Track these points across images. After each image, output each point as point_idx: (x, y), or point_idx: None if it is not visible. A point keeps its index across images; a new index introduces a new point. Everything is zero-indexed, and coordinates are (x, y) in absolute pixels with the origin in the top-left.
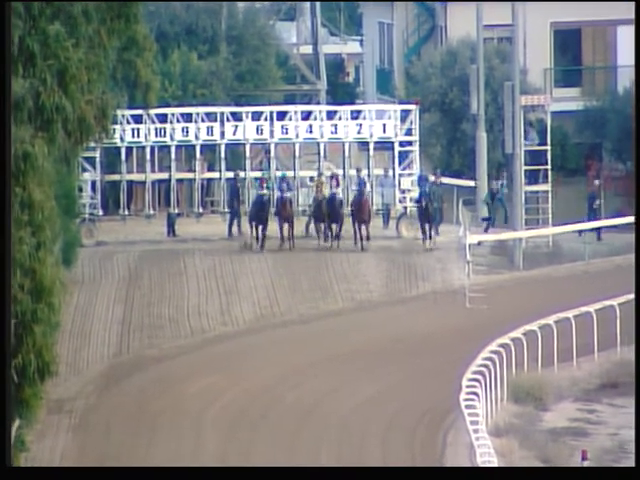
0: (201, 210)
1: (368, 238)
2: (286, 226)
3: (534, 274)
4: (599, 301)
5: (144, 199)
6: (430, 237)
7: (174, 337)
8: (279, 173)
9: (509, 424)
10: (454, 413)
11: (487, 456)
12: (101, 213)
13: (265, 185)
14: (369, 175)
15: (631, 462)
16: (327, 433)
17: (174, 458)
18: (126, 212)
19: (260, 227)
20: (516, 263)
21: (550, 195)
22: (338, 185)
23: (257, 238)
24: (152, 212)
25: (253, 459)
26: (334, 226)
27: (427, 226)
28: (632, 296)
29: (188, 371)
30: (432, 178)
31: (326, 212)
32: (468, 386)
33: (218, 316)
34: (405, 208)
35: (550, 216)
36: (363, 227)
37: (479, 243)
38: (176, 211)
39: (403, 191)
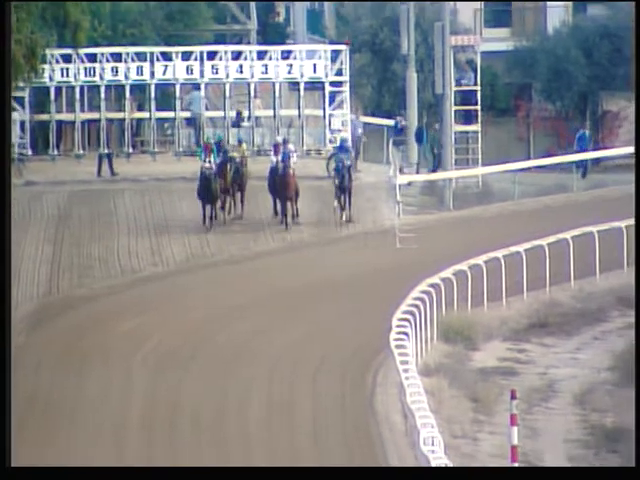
0: (131, 150)
1: (296, 215)
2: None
3: (464, 214)
4: (528, 241)
5: (73, 139)
6: (343, 209)
7: (104, 277)
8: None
9: (439, 363)
10: (384, 353)
11: (417, 395)
12: (30, 153)
13: (210, 153)
14: (300, 116)
15: (560, 401)
16: (257, 373)
17: (104, 396)
18: (55, 152)
19: (208, 205)
20: (446, 203)
21: (480, 135)
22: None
23: (205, 217)
24: (82, 152)
25: (182, 397)
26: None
27: (343, 198)
28: (561, 235)
29: (118, 311)
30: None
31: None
32: (398, 326)
33: (148, 256)
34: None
35: (480, 156)
36: (289, 204)
37: (409, 183)
38: (106, 151)
39: (333, 131)
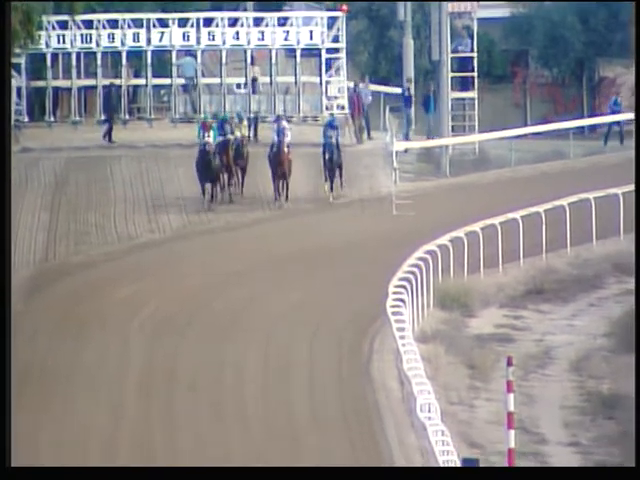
0: (127, 117)
1: (283, 193)
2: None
3: (460, 181)
4: (525, 208)
5: (70, 105)
6: (332, 189)
7: (101, 244)
8: (221, 115)
9: (435, 330)
10: (380, 320)
11: (413, 362)
12: (26, 119)
13: (209, 130)
14: (296, 82)
15: (556, 368)
16: (253, 339)
17: (100, 362)
18: (52, 118)
19: (208, 184)
20: (443, 170)
21: (476, 102)
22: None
23: (208, 195)
24: (78, 119)
25: (179, 363)
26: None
27: (333, 176)
28: (558, 202)
29: (115, 278)
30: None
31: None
32: (394, 293)
33: (145, 223)
34: (332, 115)
35: (476, 123)
36: (281, 183)
37: (406, 150)
38: (102, 117)
39: (330, 98)
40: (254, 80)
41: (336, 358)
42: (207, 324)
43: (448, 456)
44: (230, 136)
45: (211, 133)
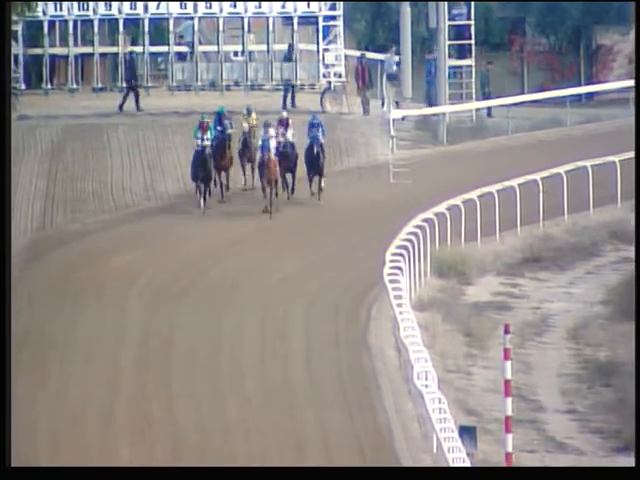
0: (124, 85)
1: (272, 198)
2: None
3: (457, 149)
4: (522, 175)
5: (67, 73)
6: (320, 190)
7: (98, 212)
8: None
9: (432, 298)
10: (377, 288)
11: (410, 330)
12: (23, 87)
13: (206, 131)
14: (292, 48)
15: (553, 336)
16: (250, 308)
17: (97, 330)
18: (49, 86)
19: (202, 185)
20: (440, 138)
21: (473, 70)
22: (287, 129)
23: (201, 197)
24: (75, 86)
25: (176, 332)
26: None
27: (314, 176)
28: (555, 170)
29: (112, 246)
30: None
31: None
32: (392, 260)
33: (142, 191)
34: (329, 83)
35: (473, 91)
36: (269, 190)
37: (403, 118)
38: (99, 85)
39: (327, 66)
40: (290, 48)
41: (333, 326)
42: (204, 292)
43: (445, 424)
44: (230, 130)
45: (209, 135)
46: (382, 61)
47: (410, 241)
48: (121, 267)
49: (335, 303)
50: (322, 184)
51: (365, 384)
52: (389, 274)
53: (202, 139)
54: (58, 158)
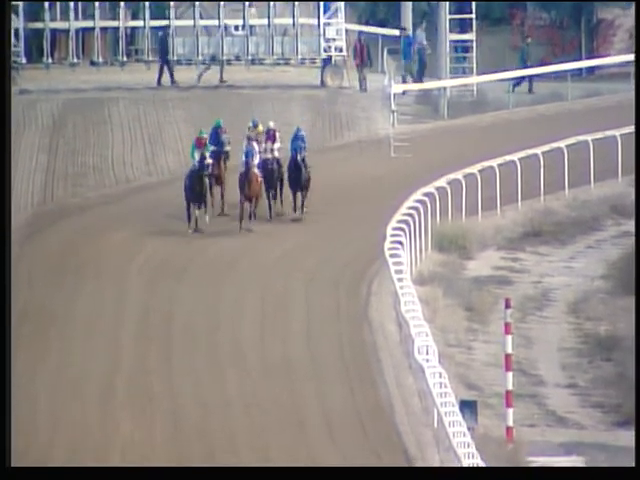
0: (125, 59)
1: (252, 217)
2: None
3: (458, 123)
4: (523, 150)
5: (67, 47)
6: (303, 204)
7: (98, 186)
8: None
9: (433, 272)
10: (378, 262)
11: (411, 304)
12: (24, 61)
13: (204, 146)
14: (294, 24)
15: (554, 310)
16: (250, 284)
17: (98, 306)
18: (49, 60)
19: (196, 205)
20: (440, 112)
21: (474, 44)
22: (274, 141)
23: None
24: (76, 60)
25: (176, 307)
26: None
27: (297, 191)
28: (556, 144)
29: (112, 221)
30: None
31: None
32: (392, 235)
33: (143, 166)
34: (330, 57)
35: (474, 65)
36: (247, 206)
37: (404, 92)
38: (100, 59)
39: (328, 40)
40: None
41: (334, 301)
42: (204, 268)
43: (446, 398)
44: (228, 147)
45: (206, 153)
46: (383, 35)
47: (411, 215)
48: (122, 241)
49: (335, 278)
50: (305, 202)
51: (366, 359)
52: (390, 248)
53: (203, 160)
54: (59, 132)
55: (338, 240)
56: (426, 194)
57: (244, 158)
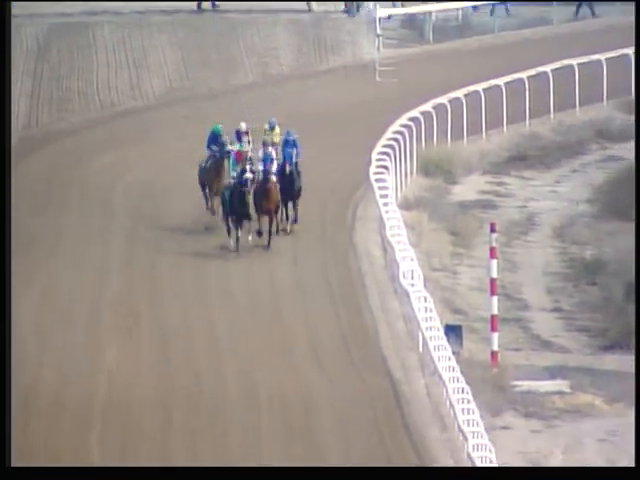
0: None
1: (271, 232)
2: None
3: (444, 47)
4: (508, 74)
5: None
6: (288, 217)
7: (83, 111)
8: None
9: (419, 197)
10: (363, 187)
11: (396, 229)
12: None
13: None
14: None
15: (539, 234)
16: None
17: (84, 230)
18: None
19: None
20: (426, 36)
21: None
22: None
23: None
24: None
25: (163, 229)
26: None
27: (288, 201)
28: (541, 68)
29: (98, 145)
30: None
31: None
32: (378, 160)
33: (128, 90)
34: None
35: None
36: (266, 218)
37: (389, 17)
38: None
39: None
40: None
41: (319, 226)
42: (189, 188)
43: (431, 322)
44: (229, 147)
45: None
46: None
47: (396, 140)
48: (107, 166)
49: (321, 203)
50: (296, 213)
51: (351, 284)
52: (375, 173)
53: (246, 172)
54: (44, 57)
55: (324, 165)
56: (411, 119)
57: (261, 167)
